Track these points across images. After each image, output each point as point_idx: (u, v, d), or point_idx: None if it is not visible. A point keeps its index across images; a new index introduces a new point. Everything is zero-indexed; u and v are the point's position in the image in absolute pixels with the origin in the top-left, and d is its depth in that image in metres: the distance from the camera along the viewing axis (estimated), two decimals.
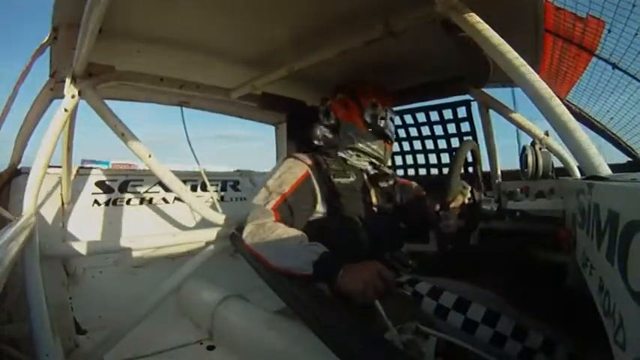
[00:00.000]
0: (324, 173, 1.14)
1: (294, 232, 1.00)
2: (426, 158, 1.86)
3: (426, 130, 1.78)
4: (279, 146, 2.11)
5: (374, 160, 1.25)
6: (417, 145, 1.86)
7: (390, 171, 1.30)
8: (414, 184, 1.43)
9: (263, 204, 1.06)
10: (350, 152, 1.24)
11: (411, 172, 1.94)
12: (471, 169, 1.60)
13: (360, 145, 1.23)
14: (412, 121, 1.80)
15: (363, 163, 1.25)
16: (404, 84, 1.54)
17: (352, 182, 1.18)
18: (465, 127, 1.61)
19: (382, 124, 1.23)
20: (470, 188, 1.07)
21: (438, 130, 1.72)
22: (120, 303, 1.31)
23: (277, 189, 1.08)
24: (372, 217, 1.16)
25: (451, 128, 1.67)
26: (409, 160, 1.94)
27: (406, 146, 1.90)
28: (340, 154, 1.25)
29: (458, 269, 0.95)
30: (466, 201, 1.06)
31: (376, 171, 1.27)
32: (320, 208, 1.12)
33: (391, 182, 1.28)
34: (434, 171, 1.85)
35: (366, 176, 1.25)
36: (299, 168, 1.13)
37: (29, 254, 0.92)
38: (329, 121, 1.26)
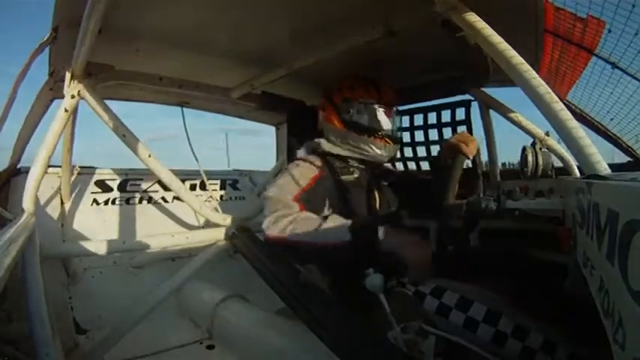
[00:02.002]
0: (331, 172, 1.14)
1: (316, 215, 1.00)
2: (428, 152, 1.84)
3: (425, 130, 1.77)
4: (280, 147, 2.11)
5: (367, 157, 1.19)
6: (418, 144, 1.85)
7: (390, 167, 1.28)
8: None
9: (283, 198, 1.03)
10: (348, 152, 1.21)
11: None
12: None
13: (347, 145, 1.18)
14: (415, 122, 1.78)
15: (361, 162, 1.21)
16: (404, 83, 1.54)
17: (357, 178, 1.17)
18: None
19: (358, 118, 1.16)
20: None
21: (437, 129, 1.71)
22: (120, 303, 1.31)
23: (294, 186, 1.06)
24: (376, 214, 1.16)
25: (447, 132, 1.65)
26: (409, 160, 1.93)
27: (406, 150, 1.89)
28: (341, 152, 1.21)
29: (458, 270, 0.95)
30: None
31: (378, 169, 1.27)
32: (329, 207, 1.11)
33: (393, 179, 1.28)
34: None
35: (369, 173, 1.23)
36: (312, 168, 1.12)
37: (29, 254, 0.92)
38: (320, 127, 1.26)
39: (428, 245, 0.87)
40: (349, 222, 0.92)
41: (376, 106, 1.19)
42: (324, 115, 1.24)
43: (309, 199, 1.05)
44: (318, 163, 1.14)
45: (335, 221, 0.94)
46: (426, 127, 1.69)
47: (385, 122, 1.20)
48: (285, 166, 1.27)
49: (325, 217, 0.98)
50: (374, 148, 1.17)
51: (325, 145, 1.21)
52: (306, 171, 1.11)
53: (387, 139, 1.20)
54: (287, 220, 0.97)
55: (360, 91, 1.20)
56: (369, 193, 1.18)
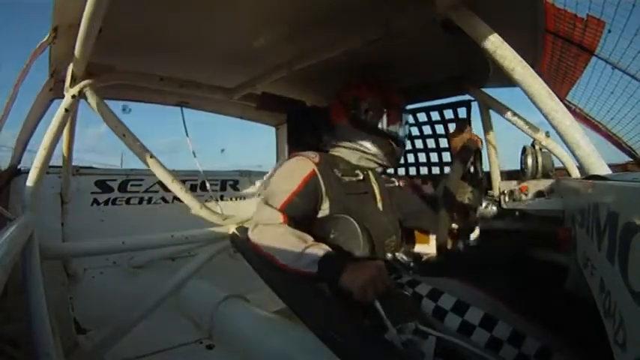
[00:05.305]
0: (331, 171, 1.13)
1: (299, 232, 0.98)
2: (427, 157, 1.85)
3: (427, 130, 1.78)
4: (280, 147, 2.11)
5: (371, 158, 1.21)
6: (418, 143, 1.86)
7: (393, 175, 1.29)
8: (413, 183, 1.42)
9: (270, 204, 1.04)
10: (352, 152, 1.22)
11: (412, 170, 1.94)
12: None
13: (352, 143, 1.20)
14: (413, 121, 1.79)
15: (365, 162, 1.22)
16: (403, 83, 1.54)
17: (359, 181, 1.17)
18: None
19: (363, 116, 1.20)
20: (470, 189, 1.06)
21: (440, 129, 1.72)
22: (120, 303, 1.31)
23: (284, 188, 1.06)
24: (375, 217, 1.16)
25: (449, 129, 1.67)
26: (410, 158, 1.93)
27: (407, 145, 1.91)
28: (345, 153, 1.23)
29: (458, 271, 0.95)
30: (466, 200, 1.06)
31: (382, 172, 1.27)
32: (326, 207, 1.10)
33: (396, 184, 1.28)
34: (435, 170, 1.84)
35: (372, 176, 1.23)
36: (305, 166, 1.11)
37: (29, 254, 0.92)
38: (328, 126, 1.28)
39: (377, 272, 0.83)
40: (320, 257, 0.89)
41: (382, 107, 1.22)
42: (334, 113, 1.27)
43: (299, 203, 1.05)
44: (316, 159, 1.13)
45: (309, 250, 0.92)
46: (427, 125, 1.70)
47: (389, 123, 1.22)
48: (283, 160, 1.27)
49: (305, 240, 0.96)
50: (375, 146, 1.19)
51: (327, 140, 1.24)
52: (299, 169, 1.10)
53: (389, 139, 1.21)
54: (268, 232, 1.00)
55: (368, 91, 1.23)
56: (369, 197, 1.18)
